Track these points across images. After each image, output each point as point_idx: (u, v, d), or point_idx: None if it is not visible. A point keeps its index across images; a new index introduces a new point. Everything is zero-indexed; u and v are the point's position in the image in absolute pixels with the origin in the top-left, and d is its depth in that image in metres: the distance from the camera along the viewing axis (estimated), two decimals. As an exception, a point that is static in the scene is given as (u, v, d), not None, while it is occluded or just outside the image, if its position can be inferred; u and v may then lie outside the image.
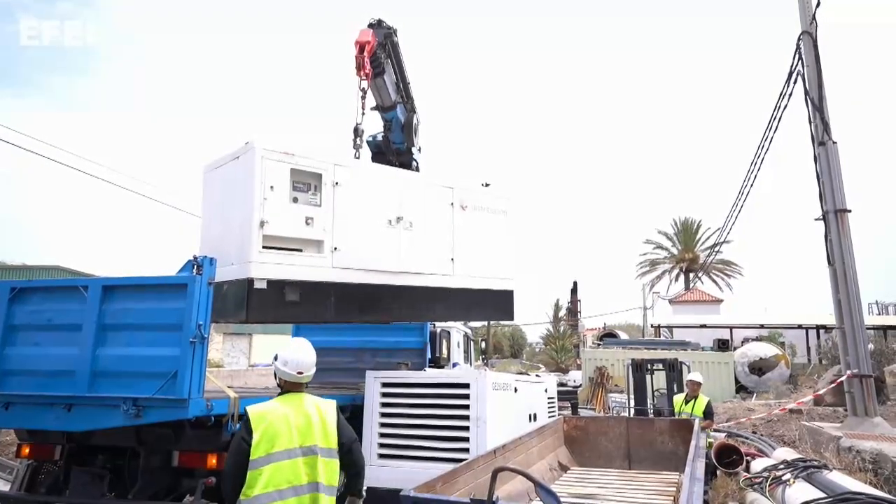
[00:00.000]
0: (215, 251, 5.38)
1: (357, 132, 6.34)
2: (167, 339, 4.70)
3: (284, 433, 3.09)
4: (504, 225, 6.90)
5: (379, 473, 5.67)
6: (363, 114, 6.46)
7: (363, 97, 6.38)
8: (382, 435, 5.84)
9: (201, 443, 4.71)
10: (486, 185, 6.82)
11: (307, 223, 5.27)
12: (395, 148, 6.59)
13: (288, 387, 3.32)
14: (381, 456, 5.78)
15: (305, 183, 5.37)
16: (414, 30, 24.77)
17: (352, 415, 6.17)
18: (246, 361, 30.14)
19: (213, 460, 4.62)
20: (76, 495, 4.84)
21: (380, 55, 6.28)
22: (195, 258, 4.91)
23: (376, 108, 6.55)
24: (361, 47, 6.05)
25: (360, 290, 5.62)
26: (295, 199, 5.28)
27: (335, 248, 5.43)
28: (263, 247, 5.03)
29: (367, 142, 6.56)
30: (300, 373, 3.29)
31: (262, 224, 4.98)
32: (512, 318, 7.36)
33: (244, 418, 3.17)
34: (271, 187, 5.07)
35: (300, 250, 5.29)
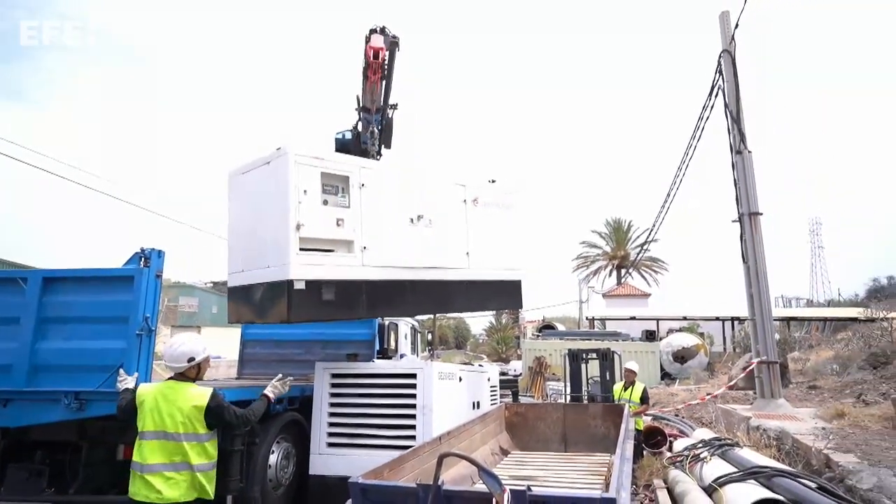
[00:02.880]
0: (247, 255, 5.50)
1: (374, 135, 6.55)
2: (112, 332, 4.65)
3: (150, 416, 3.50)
4: (510, 218, 7.28)
5: (328, 462, 5.79)
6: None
7: (384, 99, 6.59)
8: (332, 424, 5.93)
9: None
10: (493, 181, 7.21)
11: (338, 224, 5.39)
12: (363, 148, 6.71)
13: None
14: (331, 445, 5.88)
15: (334, 185, 5.48)
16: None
17: (301, 406, 6.25)
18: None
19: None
20: (12, 493, 4.71)
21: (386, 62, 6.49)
22: (142, 250, 4.86)
23: (362, 109, 6.67)
24: (376, 53, 6.21)
25: (389, 287, 5.82)
26: (325, 202, 5.37)
27: (364, 248, 5.58)
28: (300, 248, 5.10)
29: (336, 139, 6.63)
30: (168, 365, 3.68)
31: (298, 227, 5.05)
32: (521, 307, 7.80)
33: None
34: (304, 191, 5.15)
35: (332, 251, 5.40)
